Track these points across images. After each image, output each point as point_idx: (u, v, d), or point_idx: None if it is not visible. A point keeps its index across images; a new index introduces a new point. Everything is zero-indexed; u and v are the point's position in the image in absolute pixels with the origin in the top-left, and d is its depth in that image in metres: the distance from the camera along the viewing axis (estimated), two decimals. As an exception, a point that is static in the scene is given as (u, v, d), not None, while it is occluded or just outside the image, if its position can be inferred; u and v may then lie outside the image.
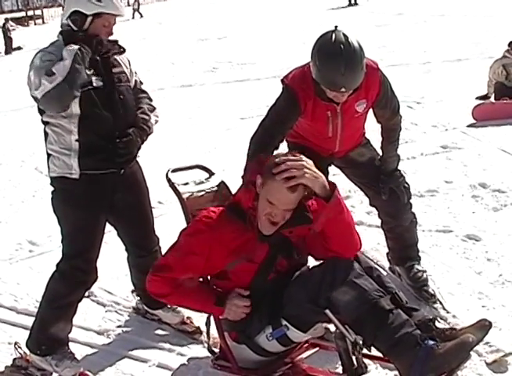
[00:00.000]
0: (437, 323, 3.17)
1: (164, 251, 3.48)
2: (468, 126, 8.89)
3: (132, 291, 4.54)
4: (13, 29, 31.31)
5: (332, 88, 3.75)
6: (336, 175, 4.54)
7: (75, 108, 3.71)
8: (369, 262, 3.34)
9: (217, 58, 16.58)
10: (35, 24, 44.71)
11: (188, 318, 4.33)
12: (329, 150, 4.19)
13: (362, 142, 4.37)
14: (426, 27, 18.87)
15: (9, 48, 27.72)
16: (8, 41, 28.24)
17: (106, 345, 4.27)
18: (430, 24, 19.24)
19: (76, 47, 3.61)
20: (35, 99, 3.65)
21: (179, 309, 4.27)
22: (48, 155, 3.87)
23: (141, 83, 4.16)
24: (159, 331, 4.34)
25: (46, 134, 3.85)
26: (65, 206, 3.86)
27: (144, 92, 4.16)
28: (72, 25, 3.79)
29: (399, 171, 4.37)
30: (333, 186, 3.16)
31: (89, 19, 3.76)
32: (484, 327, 3.10)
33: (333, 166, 4.38)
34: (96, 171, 3.80)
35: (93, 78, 3.75)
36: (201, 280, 3.41)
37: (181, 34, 24.51)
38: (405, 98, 10.21)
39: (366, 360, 3.22)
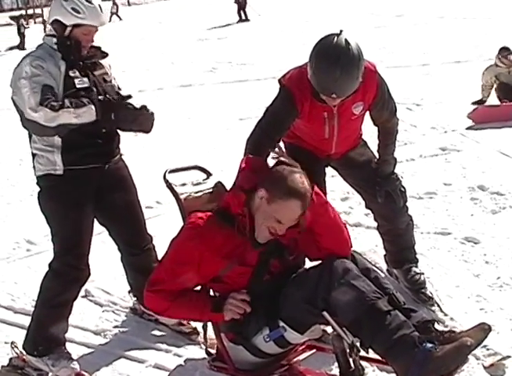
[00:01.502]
0: (435, 326, 3.16)
1: (158, 250, 3.46)
2: (467, 128, 8.91)
3: (129, 292, 4.52)
4: (28, 27, 31.23)
5: (323, 93, 3.74)
6: (334, 176, 4.54)
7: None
8: (367, 263, 3.33)
9: (216, 58, 16.59)
10: (35, 23, 44.69)
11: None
12: (325, 152, 4.18)
13: (359, 144, 4.36)
14: (425, 28, 18.90)
15: (22, 44, 27.66)
16: (22, 37, 28.20)
17: (103, 345, 4.24)
18: (430, 26, 19.26)
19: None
20: (22, 113, 3.69)
21: None
22: (33, 155, 3.89)
23: (119, 88, 4.16)
24: (156, 332, 4.32)
25: (30, 134, 3.87)
26: (51, 203, 3.88)
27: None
28: (54, 32, 3.88)
29: (396, 174, 4.34)
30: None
31: (68, 28, 3.84)
32: (483, 330, 3.09)
33: (330, 167, 4.37)
34: (80, 167, 3.82)
35: (76, 80, 3.80)
36: (199, 287, 3.39)
37: (181, 33, 24.53)
38: (405, 100, 10.24)
39: (364, 363, 3.22)
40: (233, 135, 8.83)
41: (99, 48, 4.04)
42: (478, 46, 14.63)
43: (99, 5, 3.85)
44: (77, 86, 3.80)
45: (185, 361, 3.70)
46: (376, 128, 4.30)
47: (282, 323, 3.17)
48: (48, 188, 3.89)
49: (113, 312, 4.61)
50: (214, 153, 8.13)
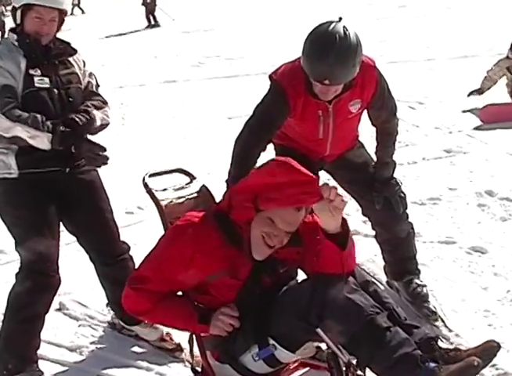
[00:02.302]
0: (439, 343, 3.16)
1: (140, 259, 3.45)
2: (474, 129, 8.91)
3: (107, 305, 4.51)
4: (8, 15, 30.92)
5: (315, 78, 3.73)
6: (329, 180, 4.54)
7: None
8: (366, 275, 3.31)
9: (203, 52, 16.59)
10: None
11: (167, 334, 4.31)
12: (319, 154, 4.18)
13: (355, 146, 4.36)
14: (430, 20, 18.92)
15: (2, 33, 27.34)
16: (2, 25, 27.86)
17: (79, 362, 4.23)
18: (435, 18, 19.29)
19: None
20: None
21: (156, 325, 4.22)
22: None
23: (98, 85, 4.20)
24: (136, 348, 4.32)
25: None
26: (9, 207, 3.91)
27: (97, 94, 4.18)
28: (14, 22, 3.93)
29: (395, 179, 4.34)
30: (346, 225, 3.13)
31: (19, 12, 3.86)
32: (491, 348, 3.07)
33: (324, 172, 4.38)
34: (36, 170, 3.84)
35: (36, 79, 3.83)
36: (180, 293, 3.36)
37: (164, 25, 24.51)
38: (407, 98, 10.24)
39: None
40: (221, 135, 8.82)
41: (68, 43, 4.06)
42: (488, 39, 14.63)
43: None
44: (36, 85, 3.83)
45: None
46: (374, 129, 4.31)
47: (272, 341, 3.13)
48: (4, 192, 3.91)
49: (90, 326, 4.60)
50: (201, 155, 8.12)
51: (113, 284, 4.16)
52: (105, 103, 4.16)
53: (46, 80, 3.86)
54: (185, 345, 4.08)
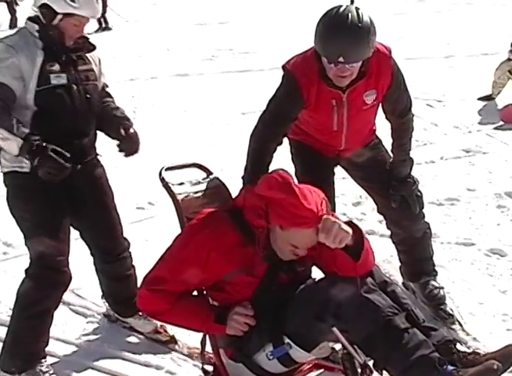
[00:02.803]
0: (458, 346, 3.15)
1: (151, 255, 3.45)
2: (494, 128, 8.89)
3: (102, 297, 4.57)
4: (18, 4, 29.88)
5: (330, 56, 3.71)
6: (345, 178, 4.55)
7: (30, 102, 3.80)
8: (384, 275, 3.32)
9: (217, 45, 16.54)
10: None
11: (161, 326, 4.38)
12: (334, 148, 4.17)
13: (372, 142, 4.35)
14: (450, 16, 18.84)
15: (14, 23, 26.54)
16: (13, 13, 26.96)
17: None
18: (455, 13, 19.22)
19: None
20: None
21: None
22: None
23: (107, 86, 4.24)
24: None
25: None
26: (20, 202, 3.94)
27: (110, 96, 4.26)
28: (41, 17, 3.88)
29: (412, 177, 4.33)
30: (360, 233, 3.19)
31: (59, 16, 3.84)
32: (511, 353, 3.08)
33: (340, 168, 4.37)
34: None
35: (52, 76, 3.83)
36: (196, 293, 3.38)
37: (177, 17, 24.47)
38: (425, 95, 10.24)
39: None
40: (234, 130, 8.83)
41: (86, 38, 4.06)
42: (509, 37, 14.56)
43: None
44: (52, 82, 3.83)
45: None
46: (389, 126, 4.30)
47: (287, 340, 3.16)
48: (15, 186, 3.95)
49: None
50: (213, 151, 8.13)
51: (110, 279, 4.31)
52: (117, 107, 4.25)
53: (63, 76, 3.87)
54: (179, 337, 4.26)
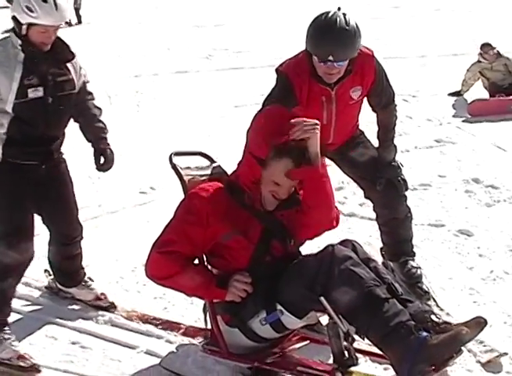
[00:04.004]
0: (432, 317, 3.15)
1: (151, 236, 3.42)
2: (463, 121, 8.93)
3: (45, 271, 4.56)
4: None
5: (321, 55, 3.77)
6: (329, 166, 4.50)
7: (9, 110, 3.79)
8: (366, 253, 3.35)
9: (213, 45, 16.46)
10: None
11: (102, 294, 4.42)
12: (323, 142, 4.13)
13: (355, 134, 4.32)
14: (422, 20, 18.79)
15: None
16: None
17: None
18: (427, 18, 19.17)
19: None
20: None
21: (93, 286, 4.42)
22: None
23: (87, 82, 4.20)
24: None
25: None
26: None
27: (90, 93, 4.23)
28: (16, 27, 3.82)
29: (396, 162, 4.33)
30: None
31: (24, 27, 3.76)
32: (479, 324, 3.10)
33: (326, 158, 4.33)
34: (17, 161, 3.90)
35: (30, 90, 3.79)
36: (197, 261, 3.40)
37: (177, 19, 24.35)
38: (401, 91, 10.14)
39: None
40: (228, 122, 8.79)
41: (67, 46, 3.98)
42: (475, 40, 14.52)
43: (55, 2, 3.74)
44: (29, 96, 3.80)
45: (176, 348, 3.67)
46: (374, 119, 4.28)
47: (279, 307, 3.18)
48: None
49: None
50: (209, 141, 8.08)
51: (63, 258, 4.32)
52: (93, 98, 4.24)
53: (41, 89, 3.82)
54: (118, 303, 4.28)
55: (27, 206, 3.96)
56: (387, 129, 4.28)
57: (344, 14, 3.82)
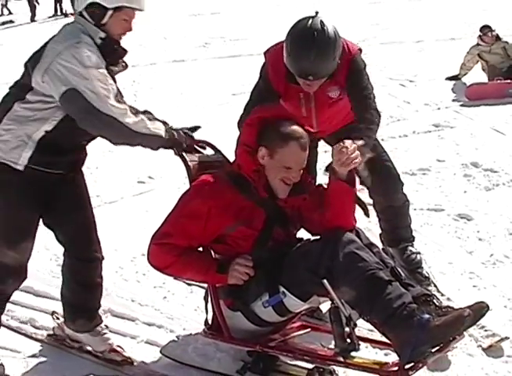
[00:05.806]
0: (434, 300, 3.17)
1: (151, 226, 3.41)
2: (461, 105, 8.94)
3: (52, 313, 4.05)
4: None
5: (299, 75, 3.67)
6: (327, 152, 4.49)
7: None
8: (369, 239, 3.35)
9: (209, 33, 16.45)
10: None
11: (118, 346, 3.76)
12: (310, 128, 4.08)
13: (351, 122, 4.23)
14: (420, 5, 18.75)
15: (33, 17, 25.22)
16: (33, 8, 25.60)
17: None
18: (425, 3, 19.11)
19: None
20: (88, 107, 3.21)
21: (107, 335, 3.75)
22: None
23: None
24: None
25: (9, 108, 3.39)
26: None
27: None
28: (89, 18, 3.36)
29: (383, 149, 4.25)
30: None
31: (109, 12, 3.34)
32: (481, 308, 3.11)
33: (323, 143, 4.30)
34: (43, 169, 3.41)
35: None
36: (201, 249, 3.40)
37: (173, 8, 24.28)
38: (398, 76, 10.25)
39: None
40: (226, 110, 8.79)
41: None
42: (473, 24, 14.48)
43: None
44: None
45: (177, 336, 3.68)
46: None
47: (282, 289, 3.19)
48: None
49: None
50: (207, 128, 8.04)
51: (80, 285, 3.69)
52: None
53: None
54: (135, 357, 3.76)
55: (33, 226, 3.51)
56: (357, 127, 3.79)
57: (322, 23, 3.60)
